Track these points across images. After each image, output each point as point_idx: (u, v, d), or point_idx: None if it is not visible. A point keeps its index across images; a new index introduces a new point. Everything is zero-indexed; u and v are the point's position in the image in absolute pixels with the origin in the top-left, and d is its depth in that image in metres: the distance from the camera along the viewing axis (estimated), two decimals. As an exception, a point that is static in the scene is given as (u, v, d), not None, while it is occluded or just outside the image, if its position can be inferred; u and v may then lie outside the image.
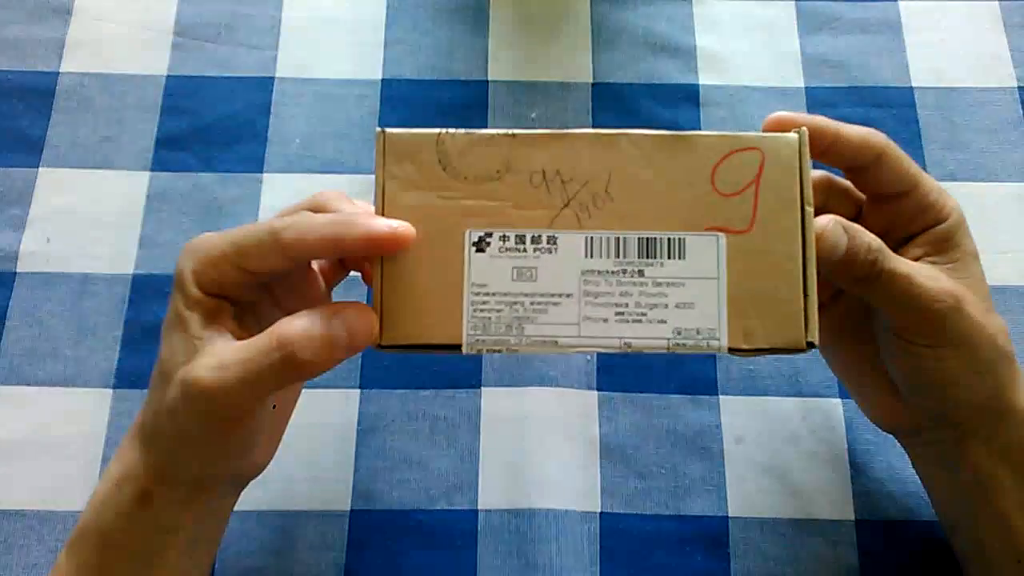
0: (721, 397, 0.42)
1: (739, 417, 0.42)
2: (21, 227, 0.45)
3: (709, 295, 0.29)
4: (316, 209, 0.32)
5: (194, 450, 0.30)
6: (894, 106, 0.48)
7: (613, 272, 0.29)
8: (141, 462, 0.31)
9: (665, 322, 0.29)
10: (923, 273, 0.31)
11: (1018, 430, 0.32)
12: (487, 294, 0.29)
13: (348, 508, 0.40)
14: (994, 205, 0.46)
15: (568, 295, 0.29)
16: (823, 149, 0.32)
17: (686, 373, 0.43)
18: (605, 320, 0.29)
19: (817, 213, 0.30)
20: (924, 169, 0.33)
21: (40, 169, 0.46)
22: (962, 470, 0.33)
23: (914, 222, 0.33)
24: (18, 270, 0.44)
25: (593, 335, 0.29)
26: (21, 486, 0.40)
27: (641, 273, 0.29)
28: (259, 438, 0.32)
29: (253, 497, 0.39)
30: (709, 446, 0.41)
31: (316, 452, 0.41)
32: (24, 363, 0.42)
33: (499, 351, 0.29)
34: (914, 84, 0.49)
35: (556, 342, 0.29)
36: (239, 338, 0.30)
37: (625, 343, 0.29)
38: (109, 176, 0.46)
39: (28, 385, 0.42)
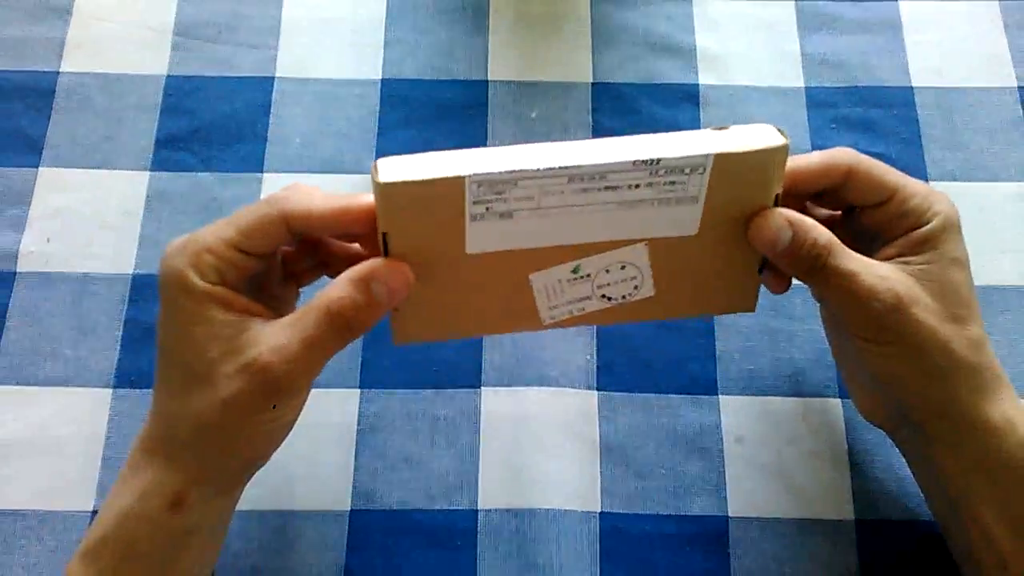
0: (721, 397, 0.42)
1: (739, 417, 0.42)
2: (21, 227, 0.45)
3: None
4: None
5: (247, 439, 0.31)
6: (894, 106, 0.48)
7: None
8: (171, 472, 0.31)
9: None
10: (871, 272, 0.31)
11: (990, 441, 0.32)
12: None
13: (348, 508, 0.40)
14: (994, 205, 0.46)
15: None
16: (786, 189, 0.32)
17: (686, 373, 0.43)
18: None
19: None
20: (924, 169, 0.33)
21: (40, 169, 0.46)
22: (938, 475, 0.33)
23: (895, 226, 0.33)
24: (18, 270, 0.44)
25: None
26: (20, 486, 0.40)
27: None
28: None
29: (253, 497, 0.38)
30: (709, 446, 0.41)
31: (316, 452, 0.41)
32: (24, 363, 0.42)
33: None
34: (914, 84, 0.49)
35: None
36: (264, 316, 0.30)
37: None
38: (109, 176, 0.46)
39: (28, 385, 0.42)
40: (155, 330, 0.31)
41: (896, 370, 0.32)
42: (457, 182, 0.28)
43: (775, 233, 0.31)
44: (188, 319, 0.30)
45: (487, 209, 0.29)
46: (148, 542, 0.31)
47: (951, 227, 0.32)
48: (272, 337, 0.29)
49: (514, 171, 0.28)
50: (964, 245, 0.33)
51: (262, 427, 0.31)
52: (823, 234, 0.31)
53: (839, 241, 0.32)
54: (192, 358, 0.30)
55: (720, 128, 0.30)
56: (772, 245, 0.31)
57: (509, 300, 0.33)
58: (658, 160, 0.29)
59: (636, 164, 0.29)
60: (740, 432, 0.41)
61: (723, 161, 0.29)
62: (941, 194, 0.33)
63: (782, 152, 0.30)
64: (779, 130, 0.30)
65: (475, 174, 0.28)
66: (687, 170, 0.29)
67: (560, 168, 0.29)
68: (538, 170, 0.29)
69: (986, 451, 0.32)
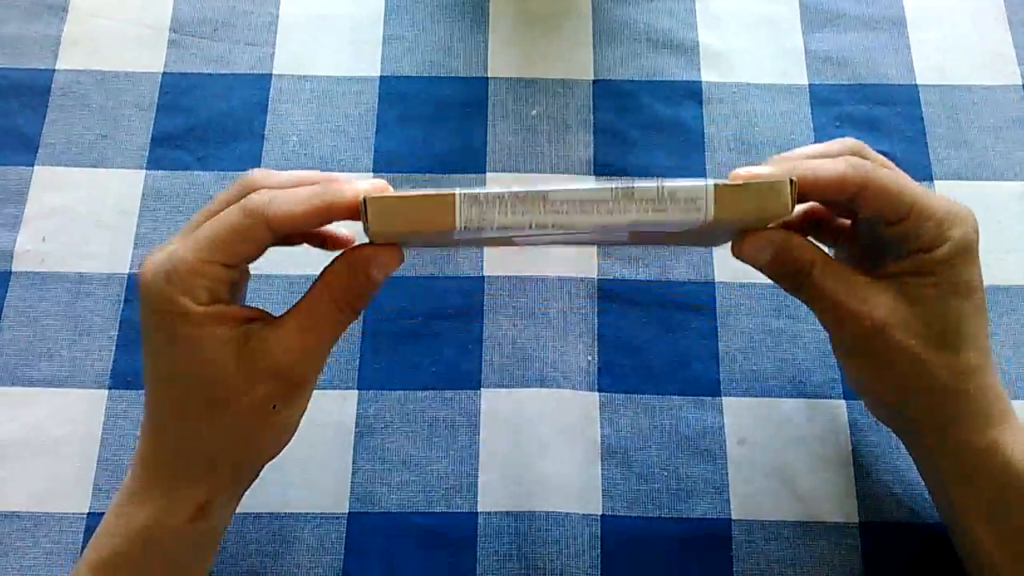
0: (724, 398, 0.42)
1: (742, 418, 0.41)
2: (16, 226, 0.44)
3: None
4: (250, 189, 0.31)
5: (265, 441, 0.32)
6: (898, 104, 0.48)
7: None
8: (193, 487, 0.31)
9: None
10: (855, 293, 0.31)
11: (974, 460, 0.32)
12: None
13: (346, 511, 0.40)
14: (1000, 204, 0.45)
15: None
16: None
17: (688, 374, 0.42)
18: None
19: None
20: (929, 167, 0.32)
21: (35, 167, 0.46)
22: (941, 477, 0.34)
23: (905, 244, 0.31)
24: (13, 269, 0.44)
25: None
26: (15, 488, 0.40)
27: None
28: None
29: (250, 500, 0.38)
30: (712, 448, 0.41)
31: (313, 454, 0.40)
32: (19, 363, 0.42)
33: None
34: (919, 81, 0.48)
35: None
36: (256, 317, 0.31)
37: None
38: (105, 174, 0.46)
39: (23, 385, 0.42)
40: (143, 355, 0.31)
41: (875, 387, 0.33)
42: (446, 231, 0.28)
43: (757, 253, 0.31)
44: (193, 344, 0.29)
45: (478, 233, 0.29)
46: (173, 552, 0.31)
47: (962, 253, 0.31)
48: (286, 338, 0.30)
49: (505, 227, 0.28)
50: (977, 270, 0.31)
51: (278, 425, 0.32)
52: (806, 253, 0.31)
53: (827, 258, 0.31)
54: (206, 378, 0.30)
55: (730, 184, 0.28)
56: (753, 262, 0.32)
57: (490, 242, 0.35)
58: (654, 223, 0.29)
59: (631, 227, 0.29)
60: (743, 434, 0.41)
61: (719, 218, 0.29)
62: (961, 214, 0.31)
63: (784, 216, 0.29)
64: (791, 183, 0.28)
65: (466, 228, 0.28)
66: (681, 225, 0.29)
67: (553, 230, 0.29)
68: (530, 228, 0.28)
69: (973, 467, 0.32)
